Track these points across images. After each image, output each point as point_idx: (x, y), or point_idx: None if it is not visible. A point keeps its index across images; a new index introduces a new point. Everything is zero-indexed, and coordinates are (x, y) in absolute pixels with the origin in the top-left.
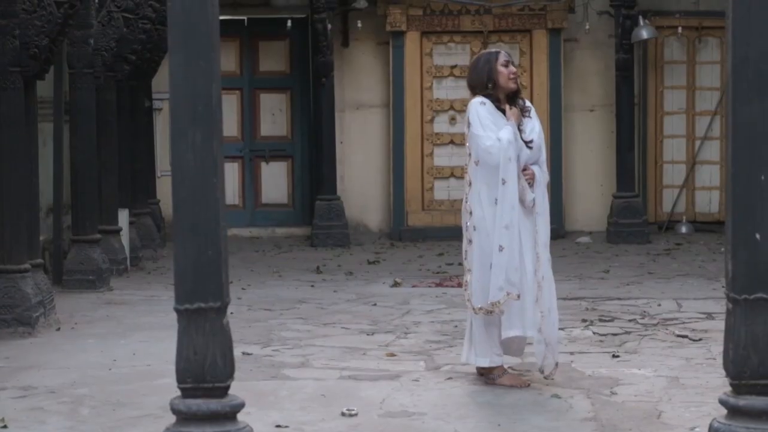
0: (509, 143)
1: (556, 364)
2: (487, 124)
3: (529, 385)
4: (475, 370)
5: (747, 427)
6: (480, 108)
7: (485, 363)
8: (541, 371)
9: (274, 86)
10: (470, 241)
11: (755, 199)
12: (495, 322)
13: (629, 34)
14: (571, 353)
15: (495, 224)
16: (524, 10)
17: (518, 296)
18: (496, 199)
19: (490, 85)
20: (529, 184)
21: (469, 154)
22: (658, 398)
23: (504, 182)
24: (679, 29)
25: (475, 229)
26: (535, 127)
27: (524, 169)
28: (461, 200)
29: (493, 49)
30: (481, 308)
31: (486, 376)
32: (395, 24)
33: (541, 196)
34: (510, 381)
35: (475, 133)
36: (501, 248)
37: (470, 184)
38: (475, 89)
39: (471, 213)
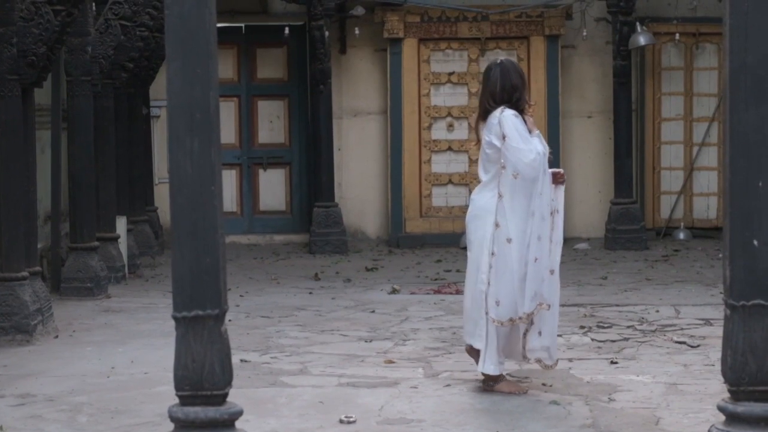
0: (544, 155)
1: (557, 361)
2: (526, 137)
3: (527, 391)
4: (472, 377)
5: None
6: (516, 121)
7: (496, 371)
8: (539, 361)
9: (272, 93)
10: (493, 254)
11: (753, 205)
12: (504, 333)
13: (627, 40)
14: (570, 360)
15: (531, 236)
16: (522, 17)
17: (549, 306)
18: (534, 212)
19: (527, 96)
20: (561, 183)
21: (503, 167)
22: (657, 405)
23: (541, 194)
24: (677, 35)
25: (510, 242)
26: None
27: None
28: (459, 207)
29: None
30: (511, 320)
31: (485, 383)
32: (393, 31)
33: (561, 196)
34: (508, 388)
35: (515, 146)
36: (536, 259)
37: (500, 196)
38: (513, 97)
39: (498, 225)
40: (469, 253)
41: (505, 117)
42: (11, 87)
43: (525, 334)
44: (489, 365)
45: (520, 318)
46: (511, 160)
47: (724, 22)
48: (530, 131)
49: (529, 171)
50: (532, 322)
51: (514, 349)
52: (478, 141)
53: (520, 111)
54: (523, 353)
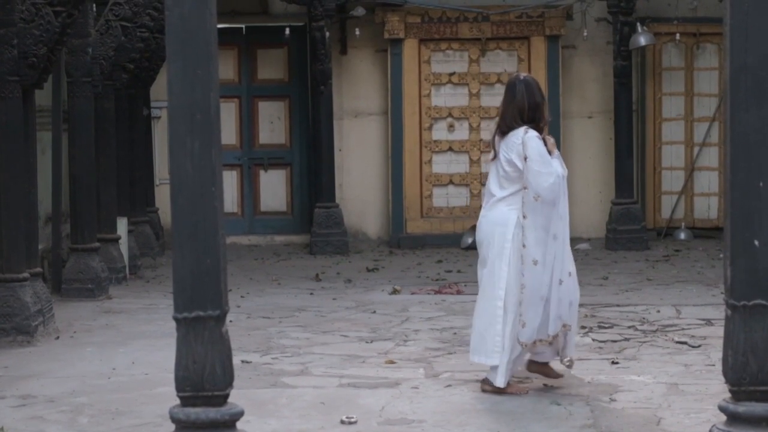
0: (564, 178)
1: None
2: (547, 161)
3: (528, 392)
4: (473, 378)
5: None
6: (539, 143)
7: (505, 384)
8: (569, 361)
9: (273, 94)
10: (523, 275)
11: (754, 205)
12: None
13: (627, 40)
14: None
15: (555, 258)
16: (522, 17)
17: (570, 327)
18: (555, 235)
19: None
20: None
21: (525, 188)
22: (658, 405)
23: (561, 217)
24: (677, 36)
25: (536, 264)
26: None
27: None
28: (460, 207)
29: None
30: (534, 342)
31: (486, 383)
32: (393, 31)
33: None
34: (510, 389)
35: (537, 169)
36: (561, 282)
37: (524, 217)
38: (536, 115)
39: (524, 246)
40: (482, 270)
41: (530, 139)
42: (12, 88)
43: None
44: (501, 379)
45: (541, 341)
46: (532, 183)
47: (725, 22)
48: (550, 152)
49: (548, 194)
50: (555, 341)
51: (544, 351)
52: (495, 156)
53: (540, 130)
54: (561, 355)
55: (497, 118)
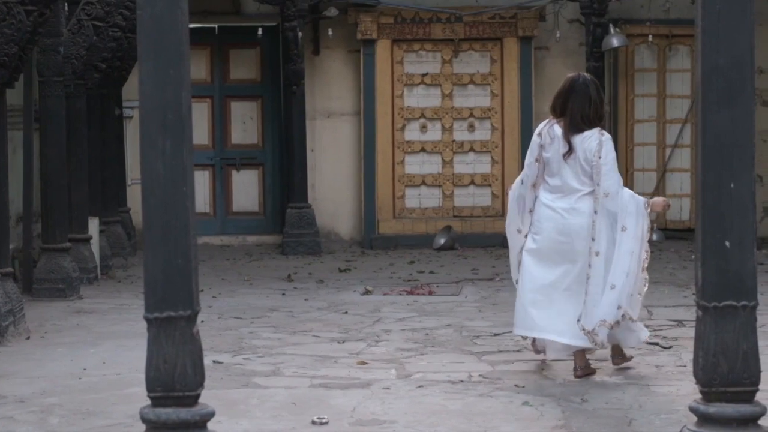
0: (631, 197)
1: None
2: (616, 168)
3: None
4: (445, 378)
5: None
6: (612, 148)
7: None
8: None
9: (245, 94)
10: (590, 266)
11: (725, 207)
12: None
13: (600, 42)
14: (543, 361)
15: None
16: (495, 18)
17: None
18: (619, 244)
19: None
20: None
21: (598, 184)
22: (629, 406)
23: (624, 229)
24: (650, 37)
25: (597, 255)
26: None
27: None
28: (432, 208)
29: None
30: (590, 331)
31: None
32: (366, 32)
33: None
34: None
35: (606, 172)
36: (613, 287)
37: (596, 212)
38: (601, 116)
39: (594, 239)
40: (566, 265)
41: (606, 141)
42: None
43: None
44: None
45: (592, 330)
46: (602, 182)
47: (697, 24)
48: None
49: (614, 197)
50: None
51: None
52: (571, 151)
53: (603, 128)
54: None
55: (567, 114)
